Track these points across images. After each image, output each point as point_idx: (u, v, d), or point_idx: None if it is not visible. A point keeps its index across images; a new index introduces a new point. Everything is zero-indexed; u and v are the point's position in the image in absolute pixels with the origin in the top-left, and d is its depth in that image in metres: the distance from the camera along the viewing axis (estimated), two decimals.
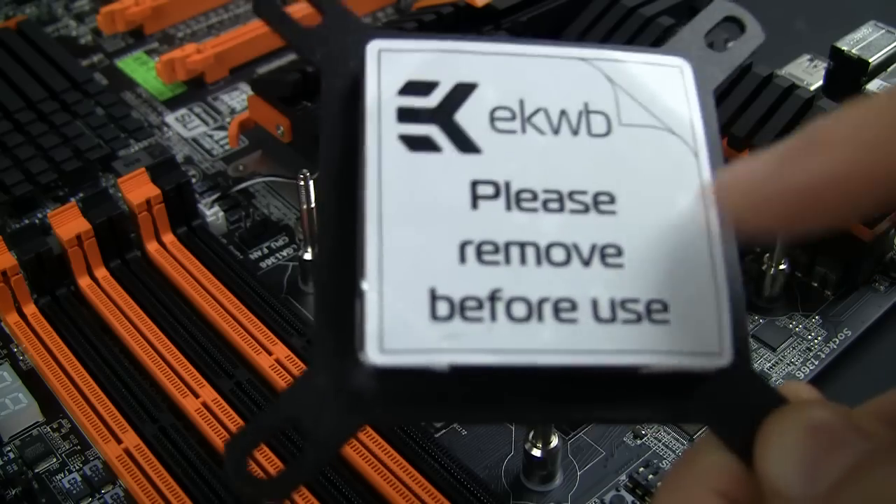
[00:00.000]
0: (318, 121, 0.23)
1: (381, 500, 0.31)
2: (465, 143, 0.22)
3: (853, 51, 0.40)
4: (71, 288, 0.38)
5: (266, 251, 0.42)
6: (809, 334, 0.37)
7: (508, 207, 0.22)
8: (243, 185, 0.44)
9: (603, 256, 0.22)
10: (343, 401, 0.21)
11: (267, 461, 0.32)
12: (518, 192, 0.22)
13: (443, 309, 0.20)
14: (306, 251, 0.39)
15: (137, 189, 0.39)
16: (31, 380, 0.36)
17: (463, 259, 0.21)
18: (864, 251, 0.37)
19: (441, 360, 0.20)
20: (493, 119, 0.23)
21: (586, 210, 0.22)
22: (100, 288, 0.38)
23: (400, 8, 0.55)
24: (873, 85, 0.40)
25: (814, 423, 0.20)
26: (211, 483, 0.32)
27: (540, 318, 0.21)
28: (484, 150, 0.22)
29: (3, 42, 0.50)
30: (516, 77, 0.24)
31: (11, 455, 0.33)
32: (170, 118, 0.49)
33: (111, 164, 0.45)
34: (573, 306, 0.21)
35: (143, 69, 0.52)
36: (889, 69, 0.41)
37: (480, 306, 0.21)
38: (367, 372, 0.20)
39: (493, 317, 0.21)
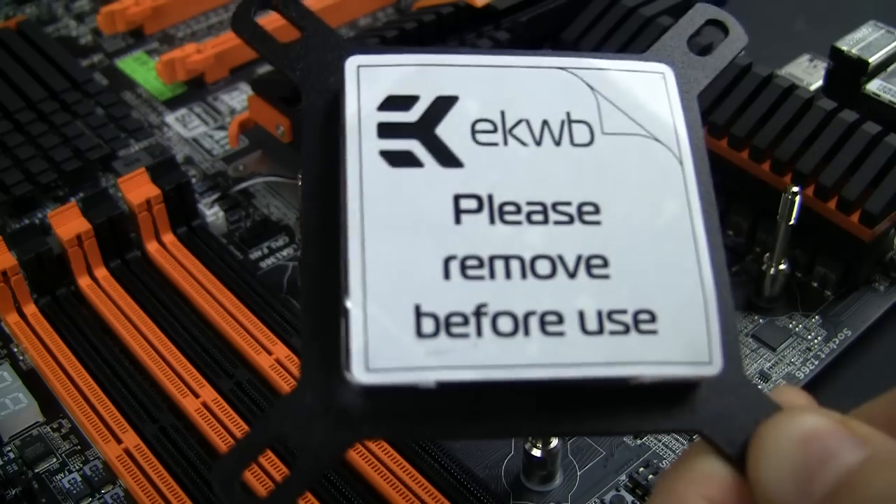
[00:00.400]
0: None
1: (381, 501, 0.31)
2: (446, 157, 0.22)
3: (853, 51, 0.40)
4: (71, 288, 0.38)
5: (266, 251, 0.42)
6: (809, 334, 0.37)
7: (492, 221, 0.22)
8: (243, 185, 0.44)
9: (589, 267, 0.21)
10: (331, 418, 0.21)
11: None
12: (501, 205, 0.22)
13: (428, 325, 0.20)
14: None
15: (137, 189, 0.39)
16: (31, 380, 0.36)
17: (447, 274, 0.21)
18: (864, 251, 0.37)
19: (428, 378, 0.20)
20: (474, 132, 0.23)
21: (571, 221, 0.22)
22: (100, 288, 0.38)
23: (400, 8, 0.55)
24: (873, 85, 0.40)
25: (807, 430, 0.20)
26: (211, 483, 0.32)
27: (526, 332, 0.21)
28: (466, 164, 0.22)
29: (3, 42, 0.50)
30: (497, 89, 0.23)
31: (11, 455, 0.33)
32: (170, 118, 0.49)
33: (111, 164, 0.45)
34: (560, 319, 0.21)
35: (143, 69, 0.52)
36: (889, 69, 0.41)
37: (466, 322, 0.20)
38: (353, 390, 0.20)
39: (479, 332, 0.20)
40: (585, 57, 0.24)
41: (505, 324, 0.21)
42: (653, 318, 0.21)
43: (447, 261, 0.21)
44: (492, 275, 0.21)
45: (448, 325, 0.20)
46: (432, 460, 0.32)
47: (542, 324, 0.21)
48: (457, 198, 0.22)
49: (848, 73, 0.41)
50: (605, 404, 0.22)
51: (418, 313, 0.20)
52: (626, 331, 0.21)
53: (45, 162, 0.43)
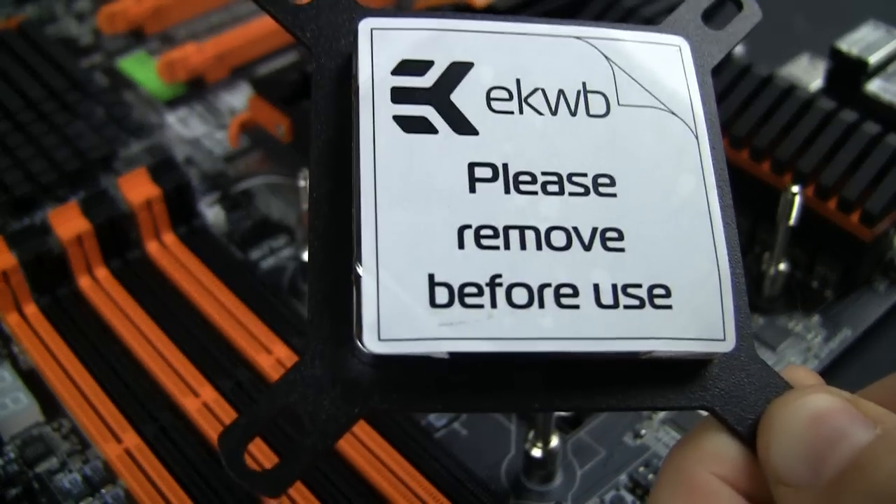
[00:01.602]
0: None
1: (381, 500, 0.31)
2: (461, 124, 0.22)
3: (853, 51, 0.40)
4: (71, 288, 0.38)
5: (266, 251, 0.42)
6: (809, 334, 0.37)
7: (507, 190, 0.21)
8: (243, 185, 0.44)
9: (604, 240, 0.21)
10: (339, 390, 0.20)
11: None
12: (516, 175, 0.22)
13: (442, 295, 0.20)
14: (306, 251, 0.39)
15: (137, 189, 0.39)
16: (31, 380, 0.36)
17: (461, 244, 0.21)
18: (864, 251, 0.37)
19: (440, 349, 0.20)
20: (489, 99, 0.22)
21: (586, 193, 0.22)
22: (100, 288, 0.38)
23: (400, 8, 0.55)
24: (873, 85, 0.40)
25: (818, 410, 0.20)
26: (211, 483, 0.32)
27: (541, 304, 0.20)
28: (481, 132, 0.22)
29: (3, 42, 0.50)
30: (513, 56, 0.23)
31: (12, 455, 0.33)
32: (170, 118, 0.49)
33: (111, 164, 0.45)
34: (575, 292, 0.21)
35: (143, 69, 0.52)
36: (889, 69, 0.41)
37: (480, 293, 0.20)
38: (363, 360, 0.20)
39: (494, 303, 0.20)
40: (602, 27, 0.24)
41: (519, 295, 0.20)
42: (667, 294, 0.21)
43: (461, 230, 0.21)
44: (506, 245, 0.21)
45: (462, 295, 0.20)
46: (432, 460, 0.32)
47: (557, 296, 0.20)
48: (471, 166, 0.21)
49: (848, 73, 0.41)
50: (616, 380, 0.21)
51: (432, 283, 0.20)
52: (641, 305, 0.21)
53: (45, 162, 0.43)
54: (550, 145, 0.22)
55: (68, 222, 0.37)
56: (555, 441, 0.32)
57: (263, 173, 0.44)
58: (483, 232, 0.21)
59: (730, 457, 0.21)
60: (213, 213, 0.43)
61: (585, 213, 0.21)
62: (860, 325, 0.38)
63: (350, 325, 0.20)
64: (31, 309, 0.37)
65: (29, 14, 0.55)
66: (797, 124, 0.38)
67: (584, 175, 0.22)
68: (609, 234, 0.21)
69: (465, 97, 0.22)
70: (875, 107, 0.39)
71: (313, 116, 0.22)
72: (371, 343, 0.20)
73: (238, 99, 0.50)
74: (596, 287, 0.21)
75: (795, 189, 0.35)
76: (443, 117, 0.22)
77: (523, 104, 0.22)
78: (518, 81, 0.23)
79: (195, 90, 0.50)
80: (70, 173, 0.43)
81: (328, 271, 0.21)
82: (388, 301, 0.20)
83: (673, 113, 0.23)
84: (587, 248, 0.21)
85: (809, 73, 0.44)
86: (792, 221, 0.36)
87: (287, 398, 0.20)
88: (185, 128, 0.48)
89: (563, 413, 0.34)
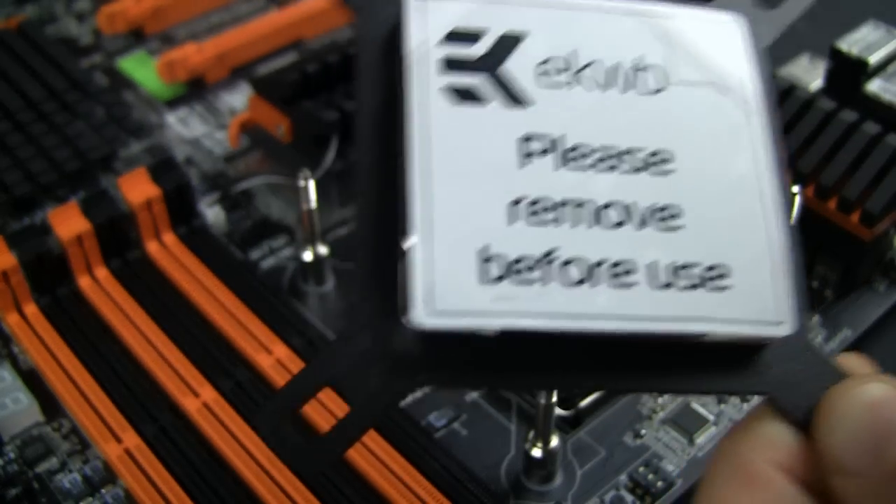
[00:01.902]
0: (354, 69, 0.22)
1: (381, 500, 0.31)
2: (513, 96, 0.21)
3: (853, 51, 0.40)
4: (71, 288, 0.38)
5: (266, 251, 0.42)
6: (809, 334, 0.37)
7: (560, 165, 0.21)
8: (243, 185, 0.44)
9: (659, 219, 0.21)
10: (386, 365, 0.20)
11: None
12: (570, 149, 0.21)
13: (494, 270, 0.19)
14: (306, 251, 0.39)
15: (137, 189, 0.39)
16: (31, 380, 0.36)
17: (514, 218, 0.20)
18: (864, 251, 0.37)
19: (492, 324, 0.19)
20: (541, 72, 0.22)
21: (640, 170, 0.21)
22: (100, 288, 0.38)
23: None
24: (873, 85, 0.40)
25: (878, 397, 0.20)
26: (211, 483, 0.32)
27: (595, 281, 0.20)
28: (533, 104, 0.21)
29: (3, 42, 0.50)
30: (565, 29, 0.22)
31: (12, 455, 0.33)
32: (170, 118, 0.49)
33: (111, 164, 0.45)
34: (630, 270, 0.20)
35: (143, 69, 0.52)
36: (889, 69, 0.41)
37: (533, 268, 0.20)
38: (411, 335, 0.19)
39: (546, 279, 0.20)
40: (656, 4, 0.23)
41: (573, 272, 0.20)
42: (724, 275, 0.21)
43: (514, 204, 0.20)
44: (560, 221, 0.20)
45: (514, 270, 0.20)
46: (432, 460, 0.32)
47: (612, 274, 0.20)
48: (523, 139, 0.21)
49: (848, 73, 0.41)
50: (669, 362, 0.21)
51: (484, 257, 0.20)
52: (697, 286, 0.20)
53: (45, 162, 0.43)
54: (604, 120, 0.22)
55: (68, 222, 0.37)
56: (555, 441, 0.32)
57: (263, 173, 0.44)
58: (535, 206, 0.20)
59: (785, 444, 0.20)
60: (213, 213, 0.43)
61: (640, 189, 0.21)
62: (860, 326, 0.38)
63: (398, 300, 0.20)
64: (31, 309, 0.37)
65: (29, 14, 0.55)
66: (797, 124, 0.38)
67: (639, 151, 0.21)
68: (664, 213, 0.21)
69: (517, 69, 0.22)
70: (875, 107, 0.39)
71: (358, 87, 0.22)
72: (420, 317, 0.19)
73: (238, 99, 0.50)
74: (651, 266, 0.20)
75: (795, 189, 0.35)
76: (494, 88, 0.21)
77: (576, 78, 0.22)
78: (571, 55, 0.22)
79: (195, 90, 0.50)
80: (70, 173, 0.43)
81: (375, 245, 0.20)
82: (438, 275, 0.19)
83: (728, 91, 0.23)
84: (642, 225, 0.21)
85: (809, 73, 0.44)
86: (792, 221, 0.36)
87: (332, 371, 0.20)
88: (185, 128, 0.48)
89: (562, 413, 0.34)
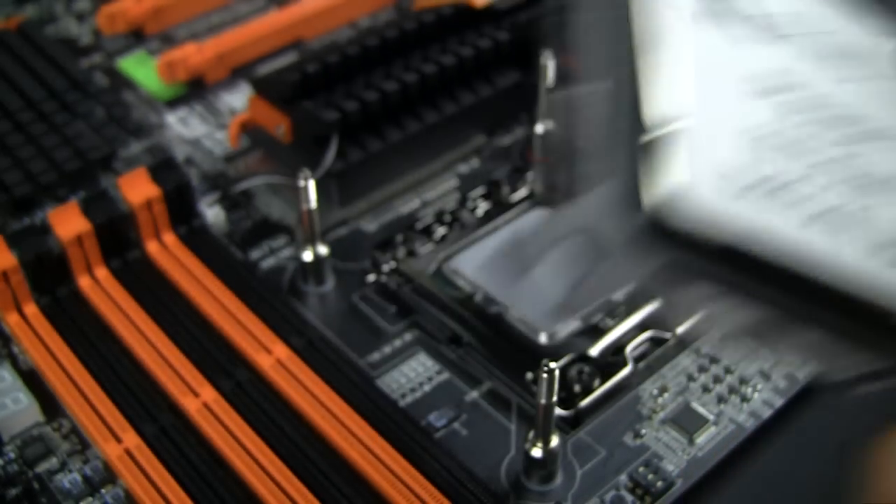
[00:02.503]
0: None
1: (381, 500, 0.31)
2: (766, 28, 0.21)
3: None
4: (71, 288, 0.38)
5: (266, 251, 0.42)
6: None
7: (804, 110, 0.20)
8: (243, 185, 0.44)
9: None
10: (626, 250, 0.19)
11: None
12: (820, 96, 0.20)
13: (739, 181, 0.19)
14: (306, 251, 0.39)
15: (137, 189, 0.39)
16: (31, 380, 0.36)
17: (761, 142, 0.19)
18: None
19: (731, 232, 0.19)
20: (796, 16, 0.21)
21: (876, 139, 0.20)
22: (100, 288, 0.38)
23: (400, 8, 0.56)
24: None
25: None
26: (211, 483, 0.32)
27: (849, 223, 0.19)
28: (785, 41, 0.21)
29: (3, 42, 0.50)
30: None
31: (12, 455, 0.33)
32: (170, 118, 0.49)
33: (111, 164, 0.45)
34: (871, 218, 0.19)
35: (143, 69, 0.52)
36: None
37: (777, 190, 0.19)
38: (649, 231, 0.19)
39: (790, 205, 0.19)
40: None
41: (814, 206, 0.19)
42: None
43: (767, 124, 0.20)
44: (814, 150, 0.20)
45: (758, 188, 0.19)
46: (432, 460, 0.32)
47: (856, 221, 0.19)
48: (773, 71, 0.20)
49: None
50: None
51: (731, 168, 0.19)
52: None
53: (45, 162, 0.43)
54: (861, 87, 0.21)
55: (68, 222, 0.37)
56: (555, 441, 0.32)
57: (263, 173, 0.44)
58: (798, 128, 0.20)
59: None
60: (213, 213, 0.43)
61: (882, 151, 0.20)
62: None
63: (638, 194, 0.19)
64: (31, 309, 0.37)
65: (29, 14, 0.55)
66: None
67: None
68: None
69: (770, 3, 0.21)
70: None
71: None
72: (663, 214, 0.19)
73: (238, 99, 0.50)
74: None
75: None
76: (745, 16, 0.21)
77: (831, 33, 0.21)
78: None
79: (195, 90, 0.50)
80: (70, 173, 0.43)
81: (618, 150, 0.20)
82: (684, 179, 0.19)
83: None
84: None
85: None
86: None
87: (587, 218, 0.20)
88: (185, 128, 0.48)
89: (562, 413, 0.34)
